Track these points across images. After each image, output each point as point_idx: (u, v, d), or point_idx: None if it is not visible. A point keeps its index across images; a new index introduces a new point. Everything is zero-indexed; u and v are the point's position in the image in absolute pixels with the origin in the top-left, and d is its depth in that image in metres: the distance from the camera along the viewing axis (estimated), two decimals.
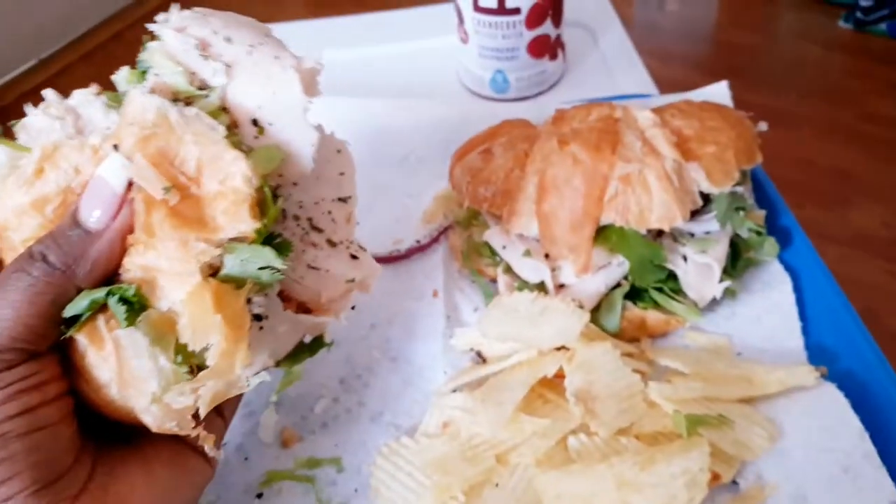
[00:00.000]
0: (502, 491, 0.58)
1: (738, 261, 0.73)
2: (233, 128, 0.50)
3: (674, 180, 0.69)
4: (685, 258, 0.71)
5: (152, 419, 0.48)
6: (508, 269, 0.75)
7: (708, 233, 0.72)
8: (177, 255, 0.46)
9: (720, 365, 0.66)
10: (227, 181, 0.47)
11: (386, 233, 0.84)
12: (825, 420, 0.61)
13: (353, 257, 0.58)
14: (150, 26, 0.52)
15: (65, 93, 0.54)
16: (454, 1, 1.05)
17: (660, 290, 0.71)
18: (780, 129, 0.81)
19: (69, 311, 0.46)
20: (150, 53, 0.51)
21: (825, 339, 0.69)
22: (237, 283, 0.48)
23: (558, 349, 0.65)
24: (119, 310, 0.46)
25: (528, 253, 0.73)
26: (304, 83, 0.51)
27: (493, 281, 0.77)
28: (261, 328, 0.52)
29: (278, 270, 0.48)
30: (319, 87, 0.53)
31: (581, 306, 0.68)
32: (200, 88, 0.51)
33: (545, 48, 1.05)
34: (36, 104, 0.53)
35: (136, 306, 0.46)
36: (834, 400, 0.62)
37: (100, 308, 0.47)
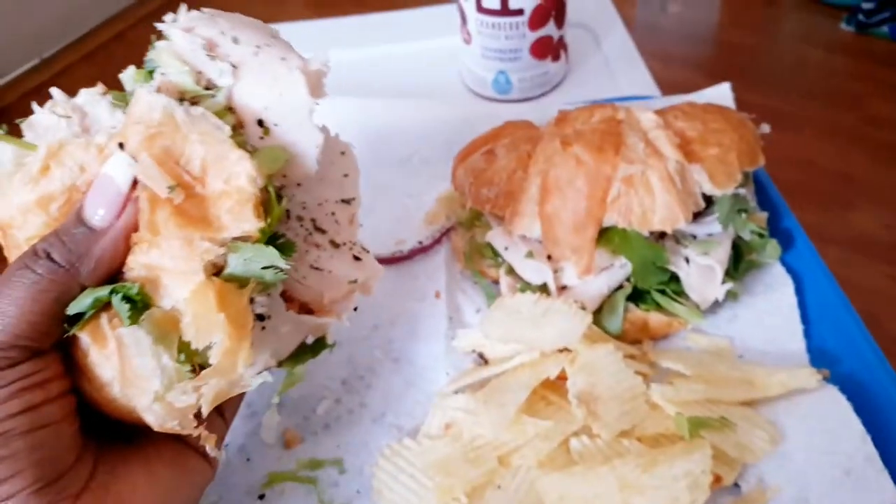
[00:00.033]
0: (504, 492, 0.58)
1: (740, 263, 0.73)
2: (238, 128, 0.51)
3: (676, 182, 0.69)
4: (687, 260, 0.71)
5: (154, 418, 0.48)
6: (511, 271, 0.75)
7: (710, 235, 0.72)
8: (181, 253, 0.46)
9: (722, 367, 0.65)
10: (232, 181, 0.47)
11: (388, 233, 0.85)
12: (827, 423, 0.61)
13: (356, 259, 0.59)
14: (159, 25, 0.53)
15: (66, 92, 0.54)
16: (457, 2, 1.05)
17: (662, 291, 0.71)
18: (782, 131, 0.81)
19: (72, 309, 0.46)
20: (158, 52, 0.52)
21: (827, 341, 0.69)
22: (240, 282, 0.48)
23: (560, 351, 0.65)
24: (122, 308, 0.46)
25: (530, 254, 0.73)
26: (310, 85, 0.51)
27: (496, 282, 0.77)
28: (263, 328, 0.53)
29: (281, 270, 0.48)
30: (325, 88, 0.53)
31: (583, 308, 0.68)
32: (207, 88, 0.51)
33: (548, 49, 1.05)
34: (38, 104, 0.53)
35: (140, 305, 0.46)
36: (836, 403, 0.62)
37: (103, 306, 0.47)
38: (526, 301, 0.69)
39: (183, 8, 0.54)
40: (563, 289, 0.72)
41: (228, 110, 0.51)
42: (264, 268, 0.48)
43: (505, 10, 0.99)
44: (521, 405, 0.61)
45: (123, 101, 0.52)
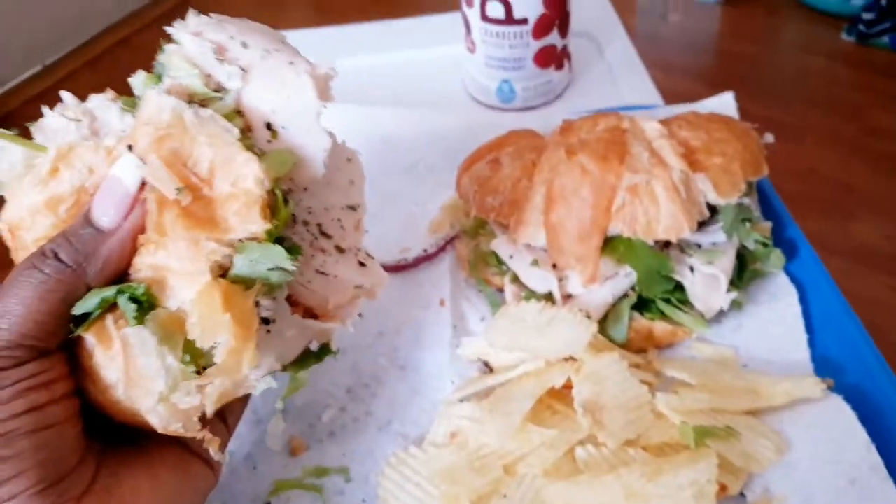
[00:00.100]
0: (510, 501, 0.58)
1: (744, 272, 0.74)
2: (247, 131, 0.51)
3: (681, 191, 0.69)
4: (692, 269, 0.71)
5: (158, 419, 0.48)
6: (515, 279, 0.75)
7: (715, 244, 0.72)
8: (187, 254, 0.47)
9: (727, 376, 0.66)
10: (240, 183, 0.48)
11: (393, 241, 0.85)
12: (832, 432, 0.61)
13: (361, 264, 0.59)
14: (168, 29, 0.53)
15: None
16: (461, 10, 1.05)
17: (667, 300, 0.71)
18: (783, 141, 0.81)
19: (79, 310, 0.47)
20: (168, 56, 0.52)
21: (831, 351, 0.69)
22: (246, 283, 0.48)
23: (566, 360, 0.65)
24: (129, 308, 0.46)
25: (535, 263, 0.73)
26: (318, 88, 0.51)
27: (500, 290, 0.77)
28: (268, 332, 0.53)
29: (287, 272, 0.48)
30: (332, 93, 0.53)
31: (588, 317, 0.68)
32: (216, 91, 0.51)
33: (551, 58, 1.05)
34: (41, 110, 0.53)
35: (146, 305, 0.47)
36: (840, 412, 0.62)
37: (108, 308, 0.47)
38: (531, 309, 0.69)
39: (192, 13, 0.54)
40: (568, 297, 0.72)
41: (237, 113, 0.51)
42: (270, 269, 0.48)
43: (509, 20, 0.99)
44: (527, 414, 0.61)
45: (133, 106, 0.52)
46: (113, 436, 0.50)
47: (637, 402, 0.62)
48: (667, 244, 0.72)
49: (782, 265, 0.75)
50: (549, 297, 0.72)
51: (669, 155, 0.71)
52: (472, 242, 0.81)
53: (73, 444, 0.46)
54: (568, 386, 0.63)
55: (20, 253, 0.51)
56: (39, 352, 0.45)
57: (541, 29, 1.00)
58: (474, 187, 0.78)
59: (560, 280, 0.72)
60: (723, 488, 0.58)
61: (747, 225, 0.73)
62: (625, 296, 0.72)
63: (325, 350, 0.60)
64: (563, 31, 1.04)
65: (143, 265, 0.48)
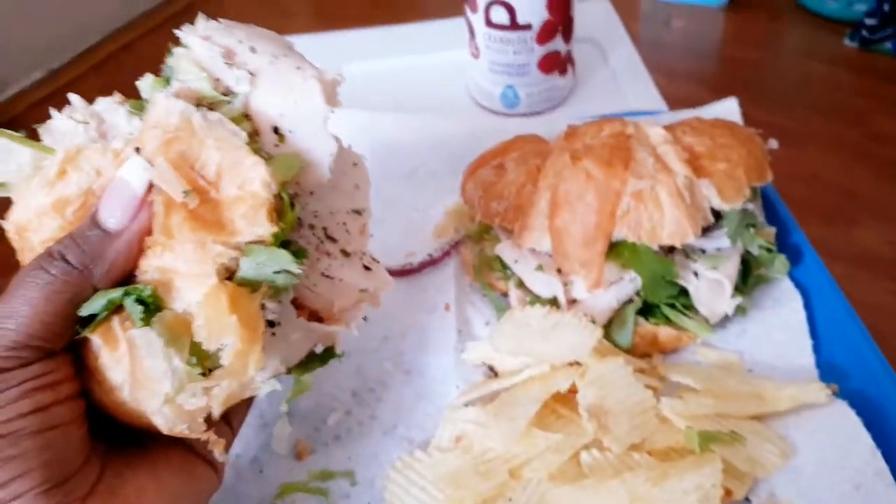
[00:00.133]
0: None
1: (748, 277, 0.74)
2: (254, 135, 0.51)
3: (685, 197, 0.69)
4: (696, 274, 0.71)
5: (164, 421, 0.48)
6: (520, 284, 0.75)
7: (719, 249, 0.73)
8: (194, 256, 0.47)
9: (731, 381, 0.66)
10: (247, 186, 0.48)
11: (398, 246, 0.85)
12: (837, 437, 0.61)
13: (366, 268, 0.59)
14: (177, 33, 0.53)
15: None
16: (465, 16, 1.06)
17: (672, 306, 0.71)
18: (786, 146, 0.82)
19: (85, 311, 0.47)
20: (176, 59, 0.52)
21: (836, 356, 0.69)
22: (252, 286, 0.49)
23: (571, 364, 0.65)
24: (135, 309, 0.46)
25: (540, 267, 0.73)
26: (325, 93, 0.52)
27: (505, 295, 0.77)
28: (274, 334, 0.53)
29: (293, 274, 0.49)
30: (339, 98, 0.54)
31: (593, 321, 0.68)
32: (224, 95, 0.52)
33: (555, 64, 1.05)
34: (49, 112, 0.54)
35: (152, 307, 0.47)
36: (845, 417, 0.62)
37: (115, 309, 0.47)
38: (536, 314, 0.69)
39: (201, 17, 0.55)
40: (572, 302, 0.72)
41: (245, 117, 0.52)
42: (276, 272, 0.49)
43: (513, 25, 0.99)
44: (532, 418, 0.61)
45: (140, 109, 0.52)
46: (117, 437, 0.51)
47: (642, 407, 0.62)
48: (671, 249, 0.72)
49: (786, 271, 0.75)
50: (553, 302, 0.72)
51: (674, 160, 0.72)
52: (477, 247, 0.81)
53: (78, 444, 0.47)
54: (573, 390, 0.63)
55: (27, 254, 0.51)
56: (46, 353, 0.46)
57: (545, 34, 1.00)
58: (479, 192, 0.78)
59: (565, 285, 0.72)
60: (728, 493, 0.58)
61: (751, 230, 0.74)
62: (629, 301, 0.72)
63: (329, 353, 0.60)
64: (567, 37, 1.04)
65: (150, 267, 0.48)
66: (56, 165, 0.50)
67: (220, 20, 0.55)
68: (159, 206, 0.47)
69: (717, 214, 0.73)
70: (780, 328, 0.72)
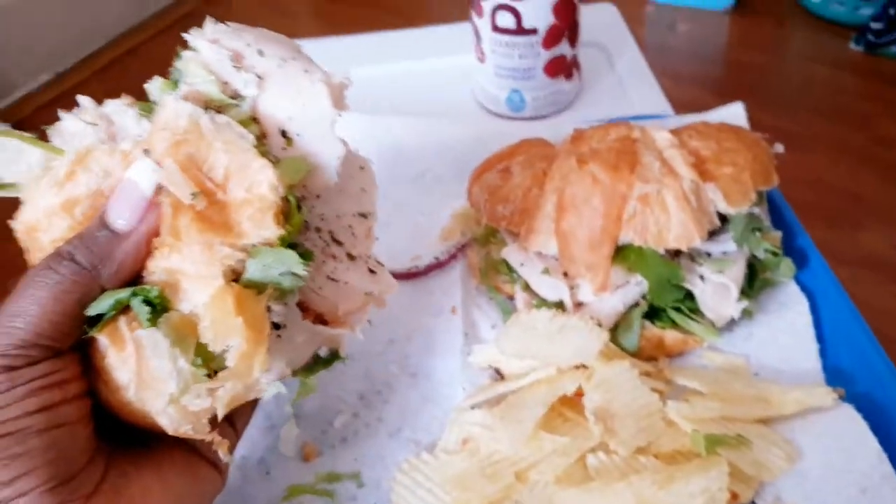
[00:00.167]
0: None
1: (754, 281, 0.74)
2: (262, 138, 0.52)
3: (692, 200, 0.70)
4: (703, 278, 0.71)
5: (168, 421, 0.48)
6: (526, 287, 0.75)
7: (725, 253, 0.73)
8: (201, 258, 0.47)
9: (737, 385, 0.66)
10: (254, 188, 0.48)
11: (404, 249, 0.85)
12: (843, 441, 0.61)
13: (371, 271, 0.59)
14: (186, 36, 0.54)
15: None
16: (471, 20, 1.06)
17: (678, 309, 0.71)
18: (791, 150, 0.82)
19: (93, 311, 0.47)
20: (185, 62, 0.53)
21: (842, 360, 0.69)
22: (259, 288, 0.49)
23: (577, 367, 0.65)
24: (142, 310, 0.47)
25: (546, 271, 0.73)
26: (332, 97, 0.52)
27: (511, 298, 0.77)
28: (279, 336, 0.53)
29: (299, 277, 0.49)
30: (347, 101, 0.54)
31: (599, 325, 0.68)
32: (232, 98, 0.52)
33: (561, 68, 1.06)
34: (54, 117, 0.54)
35: (159, 308, 0.47)
36: (852, 421, 0.62)
37: (122, 309, 0.48)
38: (542, 317, 0.69)
39: (209, 20, 0.55)
40: (579, 305, 0.72)
41: (253, 120, 0.52)
42: (282, 274, 0.49)
43: (519, 30, 1.00)
44: (538, 421, 0.61)
45: (149, 112, 0.53)
46: (122, 437, 0.51)
47: (648, 410, 0.62)
48: (677, 253, 0.72)
49: (792, 274, 0.75)
50: (560, 306, 0.72)
51: (680, 164, 0.72)
52: (483, 250, 0.82)
53: (83, 443, 0.47)
54: (579, 394, 0.63)
55: (36, 254, 0.52)
56: (53, 352, 0.46)
57: (551, 39, 1.01)
58: (485, 196, 0.78)
59: (571, 288, 0.72)
60: (734, 496, 0.58)
61: (757, 234, 0.74)
62: (636, 304, 0.72)
63: (334, 356, 0.60)
64: (573, 41, 1.04)
65: (157, 268, 0.48)
66: (66, 166, 0.51)
67: (229, 23, 0.55)
68: (167, 207, 0.48)
69: (723, 218, 0.73)
70: (786, 332, 0.72)
